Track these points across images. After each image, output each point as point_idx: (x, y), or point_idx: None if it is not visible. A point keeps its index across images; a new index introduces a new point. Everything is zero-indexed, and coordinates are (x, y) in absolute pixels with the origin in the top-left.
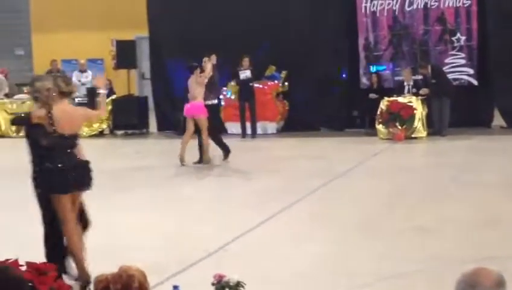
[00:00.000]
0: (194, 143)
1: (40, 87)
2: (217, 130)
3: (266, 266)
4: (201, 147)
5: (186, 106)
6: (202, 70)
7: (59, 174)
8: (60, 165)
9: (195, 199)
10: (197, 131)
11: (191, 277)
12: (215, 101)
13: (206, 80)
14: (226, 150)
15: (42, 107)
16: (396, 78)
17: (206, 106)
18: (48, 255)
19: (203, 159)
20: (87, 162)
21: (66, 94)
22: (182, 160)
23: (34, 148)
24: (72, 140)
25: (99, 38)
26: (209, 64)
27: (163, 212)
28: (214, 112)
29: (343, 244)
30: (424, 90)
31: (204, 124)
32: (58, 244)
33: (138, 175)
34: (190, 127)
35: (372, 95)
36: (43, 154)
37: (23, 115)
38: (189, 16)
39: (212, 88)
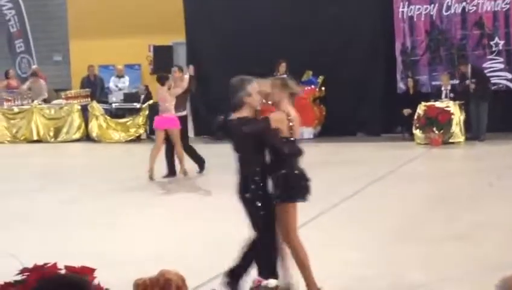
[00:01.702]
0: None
1: (252, 90)
2: (188, 142)
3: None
4: (170, 160)
5: (157, 119)
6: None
7: (298, 181)
8: (296, 172)
9: (232, 203)
10: (166, 144)
11: None
12: (185, 113)
13: (181, 92)
14: (201, 162)
15: (253, 111)
16: (434, 82)
17: (178, 117)
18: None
19: (181, 171)
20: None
21: (294, 96)
22: (151, 175)
23: (261, 153)
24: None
25: (137, 43)
26: (186, 75)
27: (204, 216)
28: (185, 123)
29: (380, 250)
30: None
31: (177, 136)
32: (270, 253)
33: (177, 181)
34: (160, 140)
35: (406, 111)
36: (278, 160)
37: (233, 118)
38: (226, 21)
39: (183, 99)
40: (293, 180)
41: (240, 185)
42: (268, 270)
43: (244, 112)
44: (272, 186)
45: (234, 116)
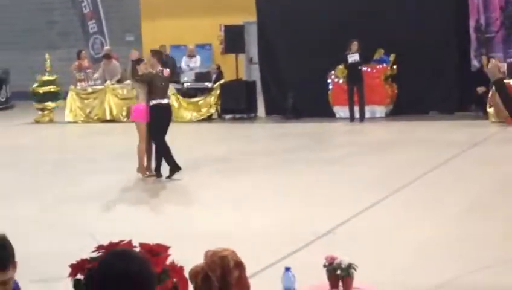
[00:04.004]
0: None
1: None
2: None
3: (375, 250)
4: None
5: (139, 109)
6: (138, 64)
7: None
8: None
9: (304, 183)
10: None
11: (301, 259)
12: (162, 101)
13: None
14: (158, 169)
15: None
16: (509, 60)
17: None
18: None
19: (147, 168)
20: None
21: None
22: (145, 171)
23: None
24: None
25: (208, 23)
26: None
27: (273, 196)
28: (159, 113)
29: (455, 228)
30: None
31: (142, 130)
32: None
33: (246, 160)
34: (142, 133)
35: (480, 89)
36: None
37: None
38: (297, 0)
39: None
40: None
41: None
42: None
43: None
44: None
45: None
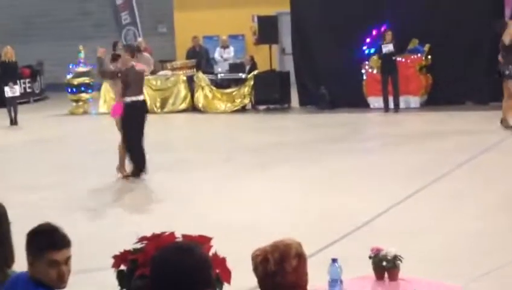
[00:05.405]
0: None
1: None
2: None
3: (412, 241)
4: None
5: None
6: (115, 59)
7: None
8: None
9: (339, 174)
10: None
11: (339, 251)
12: (135, 98)
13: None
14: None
15: None
16: None
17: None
18: None
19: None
20: None
21: None
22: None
23: None
24: None
25: (240, 14)
26: (145, 53)
27: (309, 187)
28: (133, 111)
29: (490, 221)
30: None
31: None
32: None
33: (281, 150)
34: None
35: None
36: None
37: None
38: None
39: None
40: None
41: None
42: None
43: None
44: None
45: None
